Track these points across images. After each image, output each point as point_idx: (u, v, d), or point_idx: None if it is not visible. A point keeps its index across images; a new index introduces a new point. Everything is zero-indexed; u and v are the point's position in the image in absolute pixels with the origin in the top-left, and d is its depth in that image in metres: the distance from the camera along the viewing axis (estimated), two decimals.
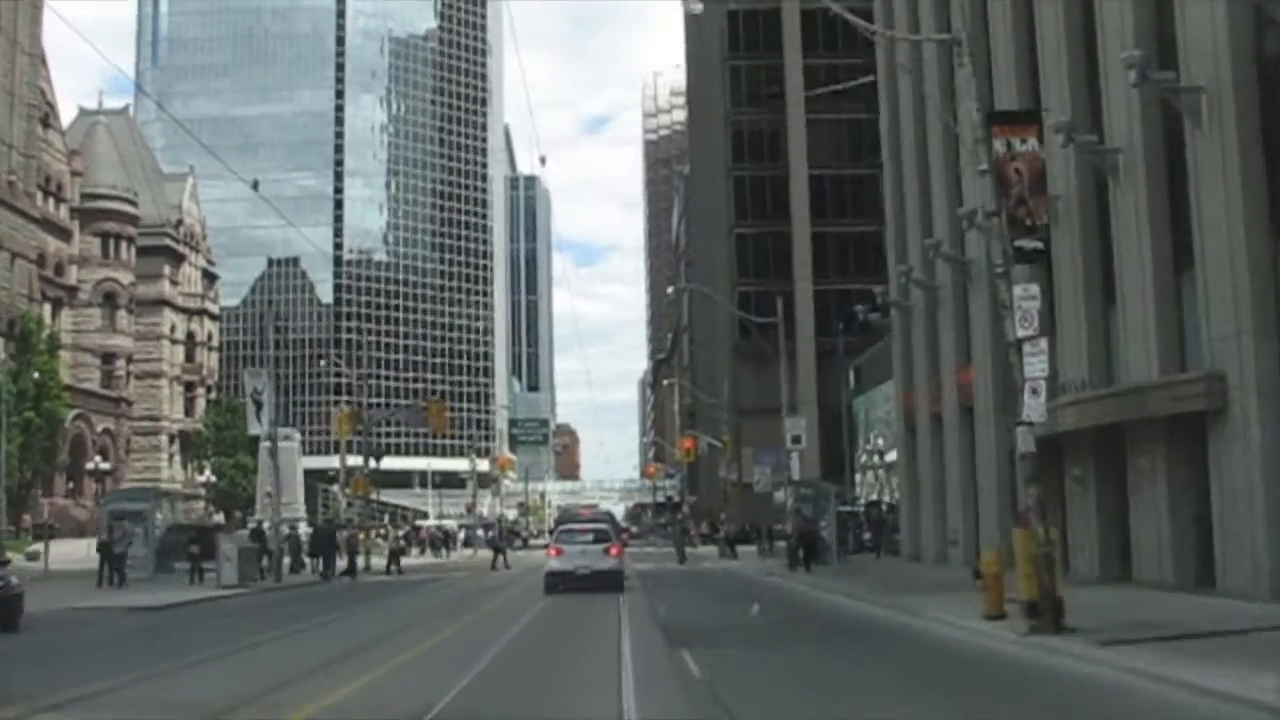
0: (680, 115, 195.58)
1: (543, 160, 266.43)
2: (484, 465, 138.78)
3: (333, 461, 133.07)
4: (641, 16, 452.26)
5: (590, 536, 36.64)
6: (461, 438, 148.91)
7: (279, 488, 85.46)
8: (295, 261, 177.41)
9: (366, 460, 58.03)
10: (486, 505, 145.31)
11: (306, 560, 51.63)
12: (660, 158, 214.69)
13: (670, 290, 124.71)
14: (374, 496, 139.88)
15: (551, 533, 46.20)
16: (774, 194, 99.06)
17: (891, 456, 57.25)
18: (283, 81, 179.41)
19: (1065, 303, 30.42)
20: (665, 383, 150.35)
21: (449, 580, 47.04)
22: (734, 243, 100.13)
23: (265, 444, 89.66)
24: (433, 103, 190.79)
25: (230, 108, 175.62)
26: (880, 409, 65.44)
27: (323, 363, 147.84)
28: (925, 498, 43.16)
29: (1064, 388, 29.94)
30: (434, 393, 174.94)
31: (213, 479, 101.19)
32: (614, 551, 36.19)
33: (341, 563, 49.48)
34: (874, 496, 66.30)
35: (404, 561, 54.61)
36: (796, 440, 44.84)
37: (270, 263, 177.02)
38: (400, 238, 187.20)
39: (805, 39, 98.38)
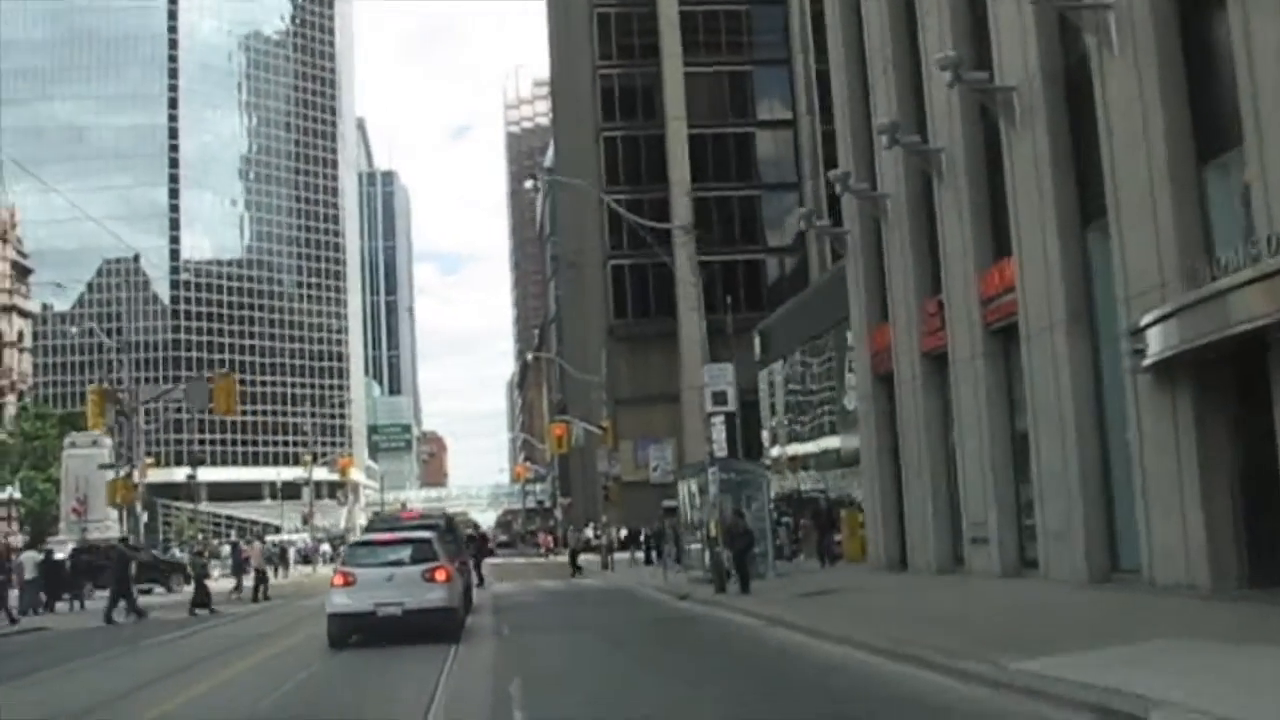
0: (543, 107, 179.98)
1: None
2: (332, 474, 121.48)
3: (177, 474, 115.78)
4: (503, 23, 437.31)
5: (406, 553, 21.15)
6: (315, 443, 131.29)
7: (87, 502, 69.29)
8: (136, 259, 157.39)
9: (131, 458, 41.34)
10: (344, 516, 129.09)
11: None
12: (523, 150, 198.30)
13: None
14: (204, 509, 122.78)
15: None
16: (649, 156, 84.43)
17: (830, 444, 42.52)
18: (111, 68, 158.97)
19: None
20: (530, 357, 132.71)
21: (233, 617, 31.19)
22: (606, 212, 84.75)
23: (70, 451, 73.47)
24: (282, 84, 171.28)
25: (63, 93, 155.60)
26: (791, 379, 50.85)
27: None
28: (915, 479, 27.99)
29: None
30: (286, 397, 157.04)
31: (17, 495, 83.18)
32: (441, 576, 20.54)
33: (141, 597, 35.00)
34: (781, 489, 51.80)
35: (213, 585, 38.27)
36: (720, 399, 29.04)
37: (104, 263, 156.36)
38: (253, 232, 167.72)
39: None
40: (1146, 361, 17.88)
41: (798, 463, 50.32)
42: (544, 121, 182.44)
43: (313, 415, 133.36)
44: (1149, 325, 17.59)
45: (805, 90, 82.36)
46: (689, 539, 35.68)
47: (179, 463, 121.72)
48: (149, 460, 73.00)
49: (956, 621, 17.06)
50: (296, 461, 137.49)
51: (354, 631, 20.27)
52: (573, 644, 19.67)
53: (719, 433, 29.23)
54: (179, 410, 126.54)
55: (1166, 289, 17.72)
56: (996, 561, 23.74)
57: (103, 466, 48.23)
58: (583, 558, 49.70)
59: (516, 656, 18.19)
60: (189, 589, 40.70)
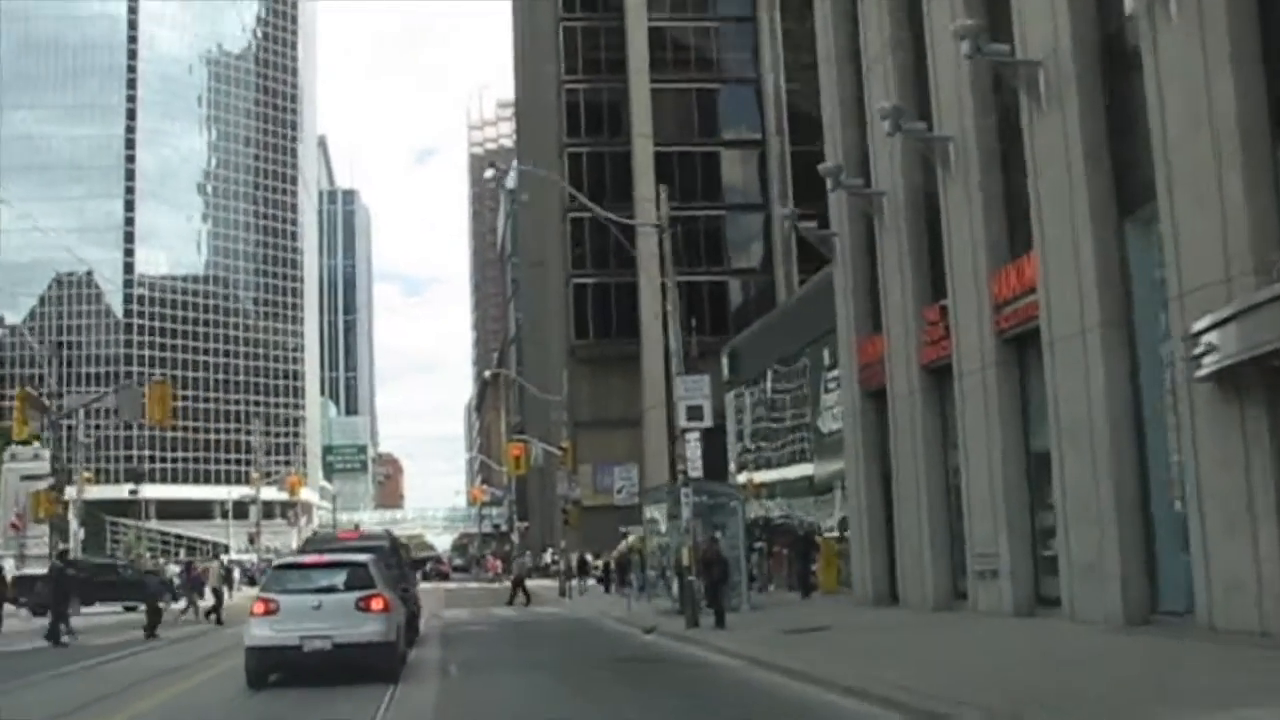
0: (507, 128, 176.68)
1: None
2: (281, 493, 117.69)
3: (125, 491, 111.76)
4: (468, 46, 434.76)
5: (339, 578, 17.95)
6: (268, 462, 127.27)
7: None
8: (90, 273, 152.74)
9: (56, 469, 37.89)
10: (295, 537, 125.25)
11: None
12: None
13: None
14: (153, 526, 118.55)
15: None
16: (614, 173, 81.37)
17: (802, 470, 39.53)
18: (68, 77, 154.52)
19: None
20: (489, 374, 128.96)
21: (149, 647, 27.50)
22: (569, 230, 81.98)
23: (9, 464, 69.76)
24: (243, 98, 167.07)
25: (18, 101, 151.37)
26: (760, 403, 47.88)
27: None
28: (909, 504, 25.10)
29: None
30: (240, 415, 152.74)
31: None
32: (377, 606, 17.39)
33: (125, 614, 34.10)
34: (751, 515, 48.67)
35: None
36: (695, 414, 26.14)
37: (57, 275, 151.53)
38: (210, 247, 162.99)
39: None
40: (1206, 370, 15.10)
41: (764, 490, 47.39)
42: (508, 143, 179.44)
43: (266, 434, 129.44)
44: (1213, 326, 14.81)
45: (774, 111, 79.96)
46: (664, 565, 32.45)
47: (129, 479, 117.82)
48: (87, 475, 69.21)
49: (994, 673, 14.11)
50: (248, 480, 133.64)
51: (276, 668, 17.19)
52: (530, 688, 16.63)
53: (694, 450, 26.18)
54: (128, 426, 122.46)
55: (1233, 284, 14.97)
56: (1008, 597, 20.85)
57: (27, 478, 44.68)
58: (540, 584, 46.58)
59: (464, 704, 15.21)
60: (176, 606, 37.67)
